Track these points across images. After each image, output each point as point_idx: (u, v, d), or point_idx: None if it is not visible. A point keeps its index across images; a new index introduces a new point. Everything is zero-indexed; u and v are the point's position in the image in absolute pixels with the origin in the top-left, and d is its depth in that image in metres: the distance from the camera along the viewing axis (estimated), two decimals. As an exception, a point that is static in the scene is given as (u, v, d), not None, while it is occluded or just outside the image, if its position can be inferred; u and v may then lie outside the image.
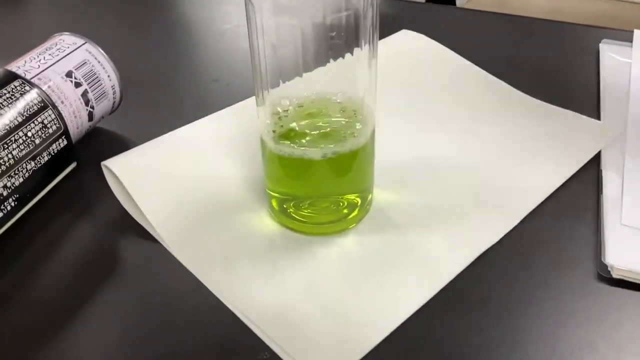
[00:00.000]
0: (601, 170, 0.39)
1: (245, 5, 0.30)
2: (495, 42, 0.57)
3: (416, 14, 0.63)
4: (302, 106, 0.34)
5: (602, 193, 0.38)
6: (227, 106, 0.45)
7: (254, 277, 0.33)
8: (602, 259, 0.33)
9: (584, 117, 0.44)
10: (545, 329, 0.30)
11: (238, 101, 0.46)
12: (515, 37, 0.58)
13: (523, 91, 0.47)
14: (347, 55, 0.31)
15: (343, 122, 0.34)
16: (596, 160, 0.40)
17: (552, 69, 0.52)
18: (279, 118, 0.34)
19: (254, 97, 0.45)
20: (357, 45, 0.30)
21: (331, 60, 0.31)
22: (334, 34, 0.30)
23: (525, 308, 0.31)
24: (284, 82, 0.32)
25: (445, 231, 0.35)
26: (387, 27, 0.55)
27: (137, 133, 0.44)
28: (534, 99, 0.46)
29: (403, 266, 0.33)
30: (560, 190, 0.38)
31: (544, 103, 0.46)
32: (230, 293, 0.32)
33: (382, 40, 0.52)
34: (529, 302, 0.31)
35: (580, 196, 0.38)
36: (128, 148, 0.40)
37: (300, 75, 0.31)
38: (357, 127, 0.34)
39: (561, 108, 0.45)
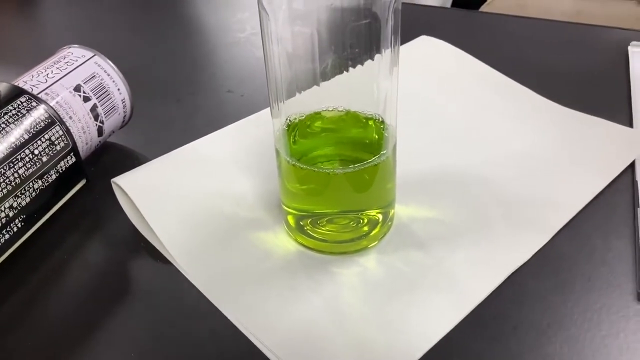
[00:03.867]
0: (636, 182, 0.37)
1: (259, 13, 0.28)
2: (518, 47, 0.54)
3: (434, 19, 0.61)
4: (319, 117, 0.32)
5: (638, 206, 0.35)
6: (241, 118, 0.44)
7: (269, 300, 0.31)
8: (642, 278, 0.31)
9: (616, 124, 0.42)
10: (584, 354, 0.28)
11: (252, 112, 0.44)
12: (539, 41, 0.55)
13: (550, 98, 0.45)
14: (367, 63, 0.29)
15: (363, 134, 0.33)
16: (630, 170, 0.38)
17: (580, 74, 0.50)
18: (296, 129, 0.32)
19: (267, 109, 0.44)
20: (378, 52, 0.29)
21: (350, 69, 0.29)
22: (352, 41, 0.28)
23: (562, 332, 0.29)
24: (300, 92, 0.30)
25: (473, 249, 0.33)
26: (404, 34, 0.54)
27: (148, 147, 0.43)
28: (561, 107, 0.44)
29: (429, 287, 0.31)
30: (593, 203, 0.36)
31: (572, 110, 0.44)
32: (245, 317, 0.30)
33: (401, 46, 0.50)
34: (565, 326, 0.29)
35: (614, 209, 0.36)
36: (139, 163, 0.38)
37: (318, 85, 0.30)
38: (379, 138, 0.32)
39: (590, 115, 0.43)
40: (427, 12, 0.64)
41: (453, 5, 0.85)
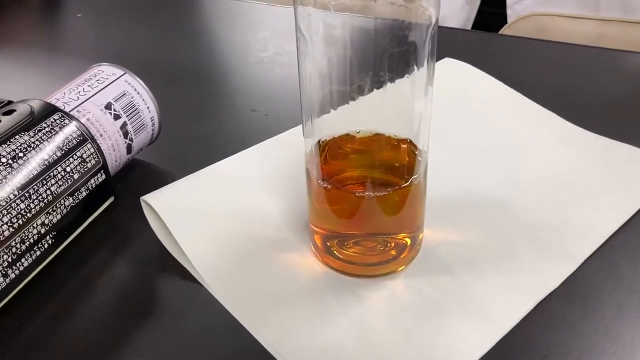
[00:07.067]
0: (665, 209, 0.37)
1: (297, 37, 0.28)
2: (542, 70, 0.55)
3: (455, 41, 0.62)
4: (351, 137, 0.32)
5: (667, 234, 0.35)
6: (266, 137, 0.44)
7: (297, 322, 0.31)
8: (674, 308, 0.31)
9: (642, 150, 0.42)
10: (616, 386, 0.28)
11: (277, 131, 0.45)
12: (561, 65, 0.55)
13: (574, 122, 0.45)
14: (401, 86, 0.29)
15: (394, 157, 0.33)
16: (658, 197, 0.38)
17: (603, 98, 0.49)
18: (326, 150, 0.32)
19: (294, 129, 0.44)
20: (413, 71, 0.29)
21: (384, 92, 0.29)
22: (388, 64, 0.28)
23: (593, 362, 0.29)
24: (333, 111, 0.30)
25: (501, 275, 0.33)
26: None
27: (175, 165, 0.44)
28: (586, 131, 0.44)
29: (457, 313, 0.31)
30: (620, 230, 0.36)
31: (598, 135, 0.44)
32: (273, 338, 0.30)
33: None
34: (597, 355, 0.29)
35: (643, 237, 0.36)
36: (166, 181, 0.39)
37: (351, 106, 0.30)
38: (410, 162, 0.32)
39: (616, 141, 0.43)
40: (448, 33, 0.64)
41: (473, 27, 0.85)
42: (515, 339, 0.30)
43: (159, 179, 0.41)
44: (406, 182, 0.31)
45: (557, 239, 0.35)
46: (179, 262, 0.35)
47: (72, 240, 0.36)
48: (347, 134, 0.32)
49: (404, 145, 0.32)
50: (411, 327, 0.30)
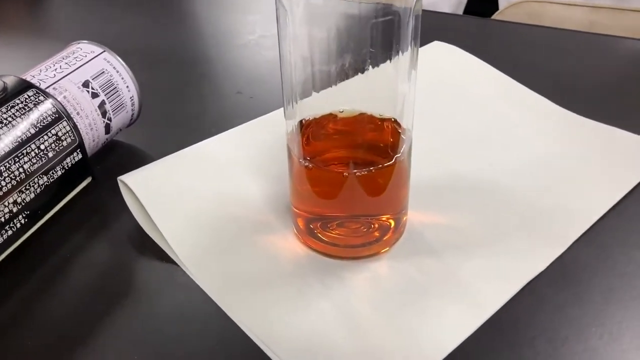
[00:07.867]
0: (655, 192, 0.36)
1: (277, 9, 0.27)
2: (532, 55, 0.54)
3: (447, 26, 0.61)
4: (334, 118, 0.31)
5: (657, 217, 0.35)
6: (250, 119, 0.43)
7: (277, 305, 0.30)
8: (663, 291, 0.30)
9: (632, 134, 0.41)
10: (603, 369, 0.27)
11: (262, 114, 0.44)
12: (552, 50, 0.55)
13: (564, 106, 0.44)
14: (385, 65, 0.28)
15: (378, 137, 0.32)
16: (649, 181, 0.37)
17: (594, 83, 0.49)
18: (309, 130, 0.31)
19: (278, 110, 0.43)
20: (397, 54, 0.28)
21: (367, 71, 0.28)
22: (371, 41, 0.27)
23: (581, 344, 0.28)
24: (315, 92, 0.29)
25: (487, 257, 0.32)
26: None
27: (156, 147, 0.42)
28: (577, 115, 0.43)
29: (442, 295, 0.30)
30: (611, 213, 0.35)
31: (588, 120, 0.43)
32: (253, 322, 0.29)
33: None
34: (584, 338, 0.28)
35: (633, 220, 0.35)
36: (146, 162, 0.38)
37: (334, 86, 0.29)
38: (394, 142, 0.31)
39: (608, 125, 0.42)
40: (440, 18, 0.63)
41: (465, 12, 0.84)
42: (502, 322, 0.29)
43: (139, 161, 0.40)
44: (391, 162, 0.30)
45: (545, 222, 0.35)
46: (157, 244, 0.34)
47: (47, 222, 0.35)
48: (330, 114, 0.31)
49: (387, 125, 0.31)
50: (395, 308, 0.30)
